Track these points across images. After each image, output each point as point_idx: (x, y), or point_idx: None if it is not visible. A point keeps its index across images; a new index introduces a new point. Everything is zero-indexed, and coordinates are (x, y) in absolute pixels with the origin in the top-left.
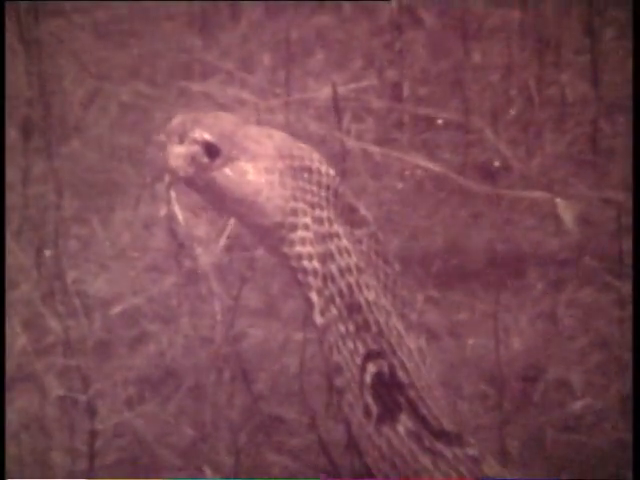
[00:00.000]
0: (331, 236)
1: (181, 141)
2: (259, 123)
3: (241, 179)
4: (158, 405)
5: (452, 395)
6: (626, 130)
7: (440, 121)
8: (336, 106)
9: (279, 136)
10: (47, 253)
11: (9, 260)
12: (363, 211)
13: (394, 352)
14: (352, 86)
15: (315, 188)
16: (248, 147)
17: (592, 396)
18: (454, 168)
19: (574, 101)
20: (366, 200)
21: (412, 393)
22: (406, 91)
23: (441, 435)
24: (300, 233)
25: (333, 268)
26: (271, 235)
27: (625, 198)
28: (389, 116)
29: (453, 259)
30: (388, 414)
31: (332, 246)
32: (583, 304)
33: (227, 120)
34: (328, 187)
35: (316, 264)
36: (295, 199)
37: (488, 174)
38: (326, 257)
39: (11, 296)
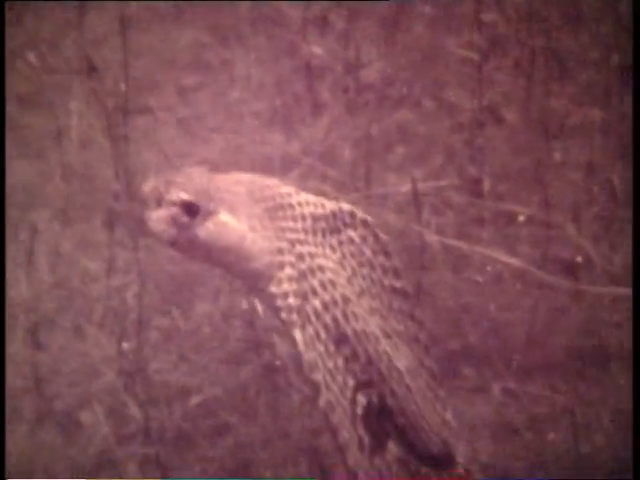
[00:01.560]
0: (312, 271)
1: (159, 205)
2: None
3: (224, 229)
4: None
5: None
6: None
7: (521, 217)
8: (416, 200)
9: (247, 179)
10: (125, 346)
11: (93, 350)
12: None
13: (383, 380)
14: (432, 182)
15: (292, 224)
16: (224, 198)
17: None
18: (535, 263)
19: None
20: (445, 293)
21: (401, 420)
22: (486, 187)
23: (429, 459)
24: (287, 271)
25: (316, 303)
26: (261, 277)
27: None
28: (469, 211)
29: (533, 352)
30: (378, 444)
31: (314, 281)
32: None
33: (197, 175)
34: (304, 217)
35: (300, 301)
36: (278, 238)
37: (570, 269)
38: (308, 293)
39: (95, 385)
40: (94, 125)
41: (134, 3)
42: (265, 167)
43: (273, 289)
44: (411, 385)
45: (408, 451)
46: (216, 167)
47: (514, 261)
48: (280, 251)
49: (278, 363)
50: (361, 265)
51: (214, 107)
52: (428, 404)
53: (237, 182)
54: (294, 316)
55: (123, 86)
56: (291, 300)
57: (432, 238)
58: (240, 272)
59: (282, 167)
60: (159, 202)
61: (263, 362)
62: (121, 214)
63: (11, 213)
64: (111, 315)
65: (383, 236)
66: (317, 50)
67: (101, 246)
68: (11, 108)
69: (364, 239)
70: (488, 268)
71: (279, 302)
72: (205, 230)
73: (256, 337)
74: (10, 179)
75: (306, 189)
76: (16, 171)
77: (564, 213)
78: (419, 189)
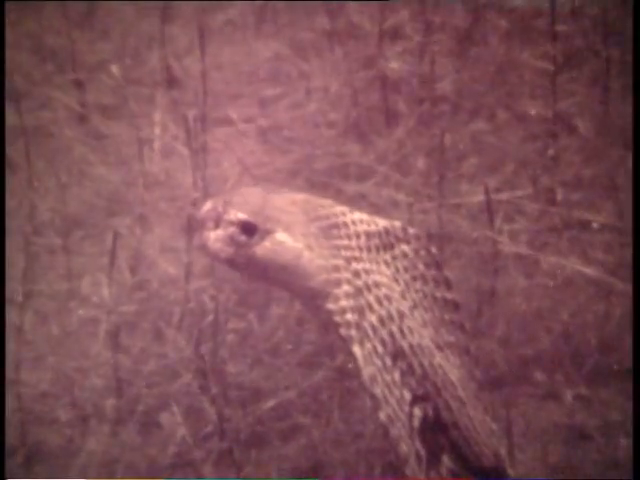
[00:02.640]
0: (368, 287)
1: (217, 225)
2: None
3: (281, 248)
4: None
5: None
6: None
7: (595, 225)
8: (489, 208)
9: (301, 199)
10: (203, 349)
11: (171, 352)
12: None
13: (438, 393)
14: (505, 192)
15: (346, 242)
16: (280, 217)
17: None
18: (608, 269)
19: None
20: (518, 298)
21: (454, 433)
22: (559, 195)
23: (481, 472)
24: (344, 288)
25: (373, 319)
26: (317, 294)
27: None
28: (542, 219)
29: (605, 358)
30: (434, 457)
31: (370, 297)
32: None
33: (254, 195)
34: (358, 235)
35: (357, 317)
36: (334, 256)
37: None
38: (364, 309)
39: (173, 386)
40: (175, 135)
41: (215, 16)
42: (341, 176)
43: (330, 306)
44: (464, 398)
45: (461, 464)
46: (293, 177)
47: (587, 269)
48: (336, 269)
49: (351, 366)
50: (414, 279)
51: (292, 118)
52: (479, 416)
53: (292, 202)
54: (353, 332)
55: (203, 97)
56: (349, 316)
57: (505, 245)
58: (297, 290)
59: (357, 176)
60: (217, 222)
61: (336, 365)
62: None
63: (95, 219)
64: (189, 318)
65: (434, 249)
66: (392, 62)
67: (180, 251)
68: (96, 119)
69: (417, 253)
70: (559, 273)
71: (337, 318)
72: (262, 249)
73: (329, 341)
74: (94, 186)
75: (381, 197)
76: (100, 179)
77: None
78: (492, 198)
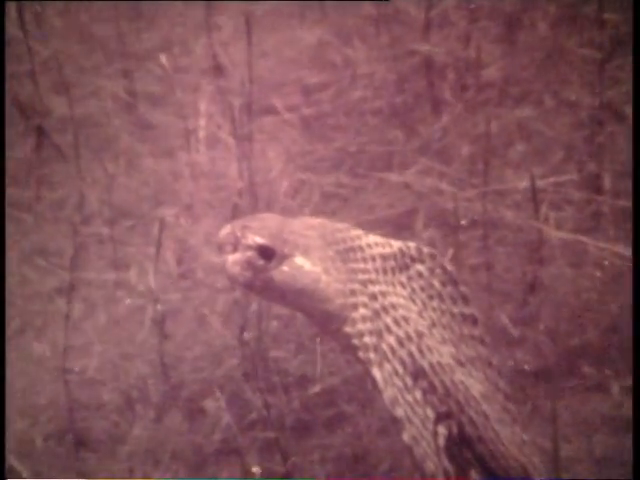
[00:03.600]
0: (385, 309)
1: (235, 249)
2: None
3: (299, 272)
4: None
5: None
6: None
7: None
8: (534, 197)
9: (318, 223)
10: (246, 336)
11: (215, 339)
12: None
13: (461, 409)
14: (551, 179)
15: (362, 265)
16: (297, 242)
17: None
18: None
19: None
20: (564, 288)
21: (480, 447)
22: (607, 183)
23: None
24: (361, 311)
25: (391, 340)
26: (335, 318)
27: None
28: (588, 206)
29: None
30: (462, 473)
31: (388, 319)
32: None
33: (271, 220)
34: (374, 258)
35: (375, 339)
36: (351, 280)
37: None
38: (382, 331)
39: (217, 373)
40: (220, 125)
41: (260, 4)
42: (384, 165)
43: (348, 329)
44: (488, 412)
45: (490, 478)
46: (337, 166)
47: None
48: (353, 292)
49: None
50: (431, 298)
51: (336, 106)
52: (506, 429)
53: (309, 226)
54: (371, 354)
55: (248, 86)
56: (367, 339)
57: (551, 233)
58: (314, 313)
59: (401, 165)
60: (235, 246)
61: None
62: (244, 210)
63: (142, 209)
64: (233, 305)
65: (449, 266)
66: (438, 49)
67: None
68: (143, 108)
69: (432, 271)
70: (606, 263)
71: (355, 341)
72: (280, 273)
73: None
74: (141, 176)
75: (425, 185)
76: (147, 169)
77: None
78: (538, 185)
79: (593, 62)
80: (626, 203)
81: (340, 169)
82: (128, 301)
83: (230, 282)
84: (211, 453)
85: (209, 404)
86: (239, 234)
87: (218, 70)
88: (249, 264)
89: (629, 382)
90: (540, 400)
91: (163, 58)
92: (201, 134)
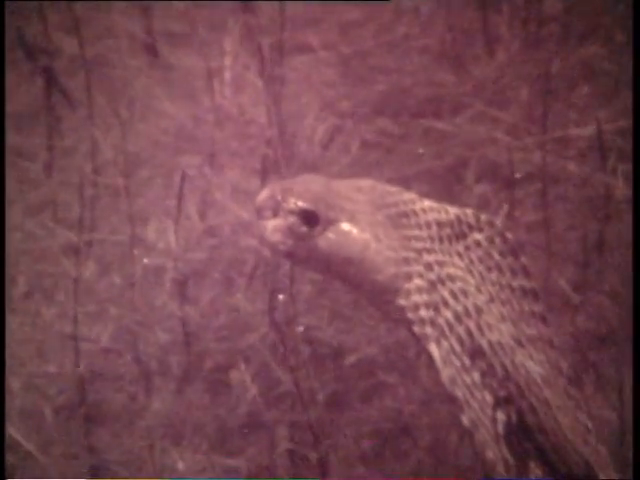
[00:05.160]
0: (442, 281)
1: (275, 214)
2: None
3: (346, 239)
4: (394, 462)
5: None
6: None
7: None
8: (601, 145)
9: (367, 186)
10: (280, 297)
11: (243, 304)
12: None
13: (522, 395)
14: (620, 123)
15: (417, 232)
16: (344, 206)
17: None
18: None
19: None
20: (630, 247)
21: (541, 438)
22: None
23: None
24: (416, 281)
25: (448, 315)
26: (386, 289)
27: None
28: None
29: None
30: (521, 465)
31: (445, 292)
32: None
33: (315, 182)
34: (429, 224)
35: (432, 313)
36: (404, 248)
37: None
38: (439, 304)
39: (244, 342)
40: (248, 65)
41: None
42: (432, 111)
43: (401, 302)
44: (549, 398)
45: (550, 472)
46: (378, 111)
47: None
48: (406, 261)
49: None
50: (489, 270)
51: (378, 44)
52: (569, 417)
53: (357, 189)
54: (428, 329)
55: (280, 22)
56: (423, 312)
57: (618, 188)
58: (363, 285)
59: (451, 110)
60: (275, 211)
61: None
62: (275, 161)
63: (161, 158)
64: (263, 267)
65: (510, 235)
66: None
67: (253, 194)
68: (161, 46)
69: (491, 241)
70: None
71: (410, 315)
72: (325, 240)
73: None
74: (160, 122)
75: (476, 133)
76: (166, 114)
77: None
78: (604, 132)
79: None
80: None
81: (382, 115)
82: (145, 261)
83: (270, 251)
84: (236, 428)
85: (235, 375)
86: (279, 198)
87: (246, 5)
88: (291, 231)
89: None
90: (605, 368)
91: None
92: (226, 76)
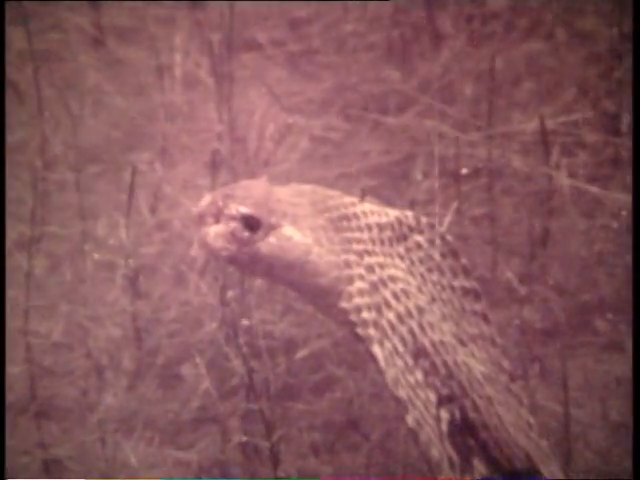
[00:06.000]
0: (384, 283)
1: (217, 220)
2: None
3: (288, 244)
4: (346, 453)
5: None
6: None
7: None
8: (544, 140)
9: (308, 190)
10: (230, 294)
11: (195, 299)
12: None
13: (465, 393)
14: (562, 118)
15: (358, 235)
16: (286, 210)
17: None
18: None
19: None
20: (576, 240)
21: (484, 435)
22: (625, 124)
23: (513, 475)
24: (358, 284)
25: (391, 316)
26: (329, 292)
27: None
28: (604, 151)
29: None
30: (465, 462)
31: (387, 293)
32: None
33: (257, 188)
34: (370, 227)
35: (375, 314)
36: (345, 251)
37: None
38: (381, 306)
39: (196, 336)
40: (198, 62)
41: None
42: (379, 106)
43: (344, 304)
44: (491, 395)
45: (493, 468)
46: (326, 107)
47: None
48: (348, 264)
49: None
50: (430, 271)
51: (326, 41)
52: (510, 413)
53: (298, 193)
54: (371, 331)
55: (229, 19)
56: (365, 314)
57: (562, 181)
58: (306, 288)
59: (397, 106)
60: (217, 217)
61: None
62: (225, 156)
63: (112, 153)
64: (214, 261)
65: (450, 237)
66: None
67: (204, 188)
68: (112, 42)
69: (431, 242)
70: (624, 213)
71: (353, 317)
72: (267, 245)
73: None
74: (110, 117)
75: (423, 130)
76: (116, 109)
77: None
78: (548, 127)
79: None
80: None
81: (330, 111)
82: (96, 256)
83: (212, 256)
84: (188, 422)
85: (187, 370)
86: (221, 204)
87: (195, 1)
88: (233, 236)
89: None
90: (550, 361)
91: None
92: (177, 72)
